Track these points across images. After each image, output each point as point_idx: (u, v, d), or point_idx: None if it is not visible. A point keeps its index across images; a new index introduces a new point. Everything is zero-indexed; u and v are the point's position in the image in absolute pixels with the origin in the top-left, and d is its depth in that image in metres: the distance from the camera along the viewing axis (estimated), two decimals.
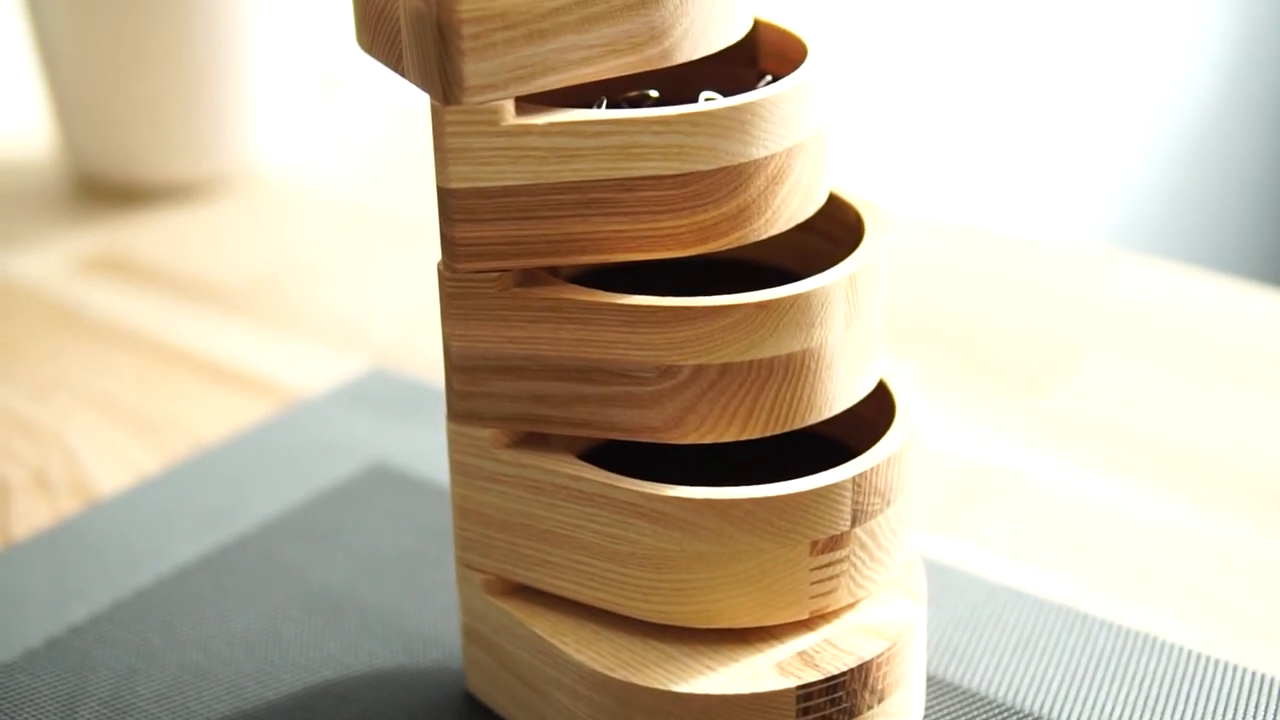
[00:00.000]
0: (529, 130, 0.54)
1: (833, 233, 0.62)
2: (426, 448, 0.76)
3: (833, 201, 0.61)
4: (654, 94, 0.60)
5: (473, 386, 0.57)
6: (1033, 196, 1.91)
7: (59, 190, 1.01)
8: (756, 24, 0.61)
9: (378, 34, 0.57)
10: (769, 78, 0.61)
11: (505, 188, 0.55)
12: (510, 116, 0.54)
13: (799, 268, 0.63)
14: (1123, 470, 0.73)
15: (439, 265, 0.57)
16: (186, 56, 0.96)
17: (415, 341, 0.84)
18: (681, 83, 0.61)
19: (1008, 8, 1.79)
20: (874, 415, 0.61)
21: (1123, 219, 2.01)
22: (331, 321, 0.87)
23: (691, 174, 0.55)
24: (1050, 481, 0.73)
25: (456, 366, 0.57)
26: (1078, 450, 0.75)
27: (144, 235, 0.96)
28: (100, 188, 1.00)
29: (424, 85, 0.54)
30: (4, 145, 1.07)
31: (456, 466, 0.59)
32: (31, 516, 0.74)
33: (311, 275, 0.92)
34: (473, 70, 0.53)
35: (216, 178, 1.00)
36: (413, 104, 1.10)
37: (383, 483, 0.74)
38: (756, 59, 0.62)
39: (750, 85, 0.62)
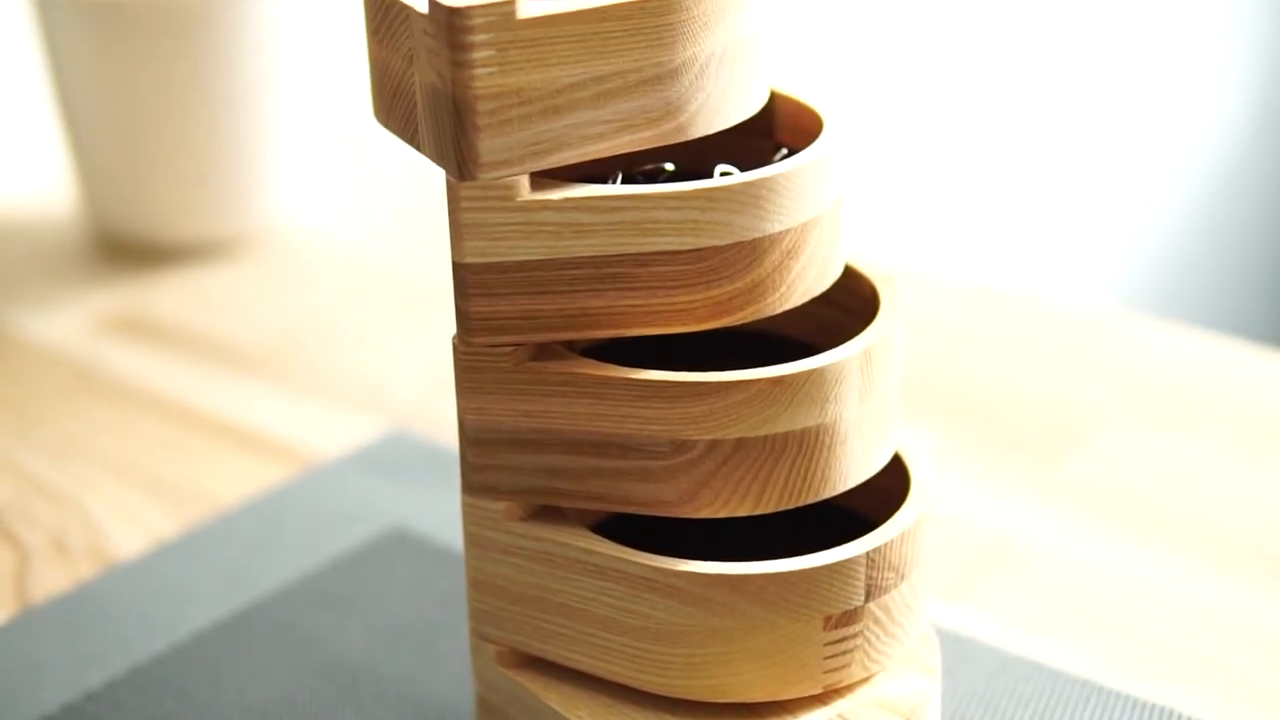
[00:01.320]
0: (544, 206, 0.54)
1: (848, 304, 0.62)
2: (444, 513, 0.76)
3: (848, 273, 0.61)
4: (669, 167, 0.60)
5: (487, 460, 0.57)
6: (1053, 258, 1.91)
7: (80, 249, 1.01)
8: (773, 96, 0.62)
9: (394, 108, 0.57)
10: (784, 151, 0.61)
11: (520, 262, 0.55)
12: (525, 192, 0.54)
13: (814, 339, 0.64)
14: (1141, 541, 0.73)
15: (454, 339, 0.57)
16: (208, 116, 0.97)
17: (434, 404, 0.85)
18: (697, 155, 0.62)
19: (1028, 71, 1.80)
20: (889, 486, 0.61)
21: (1142, 282, 2.01)
22: (351, 383, 0.87)
23: (706, 249, 0.55)
24: (1068, 551, 0.73)
25: (471, 440, 0.57)
26: (1095, 520, 0.75)
27: (165, 295, 0.96)
28: (121, 246, 1.01)
29: (439, 161, 0.55)
30: (26, 203, 1.07)
31: (471, 538, 0.59)
32: (50, 581, 0.74)
33: (331, 336, 0.92)
34: (488, 146, 0.53)
35: (238, 237, 1.00)
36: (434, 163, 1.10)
37: (400, 549, 0.74)
38: (773, 131, 0.62)
39: (766, 158, 0.62)
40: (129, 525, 0.77)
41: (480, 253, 0.55)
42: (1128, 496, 0.76)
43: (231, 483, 0.80)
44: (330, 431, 0.83)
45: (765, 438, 0.55)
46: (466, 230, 0.54)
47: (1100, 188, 1.93)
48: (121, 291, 0.97)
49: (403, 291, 0.96)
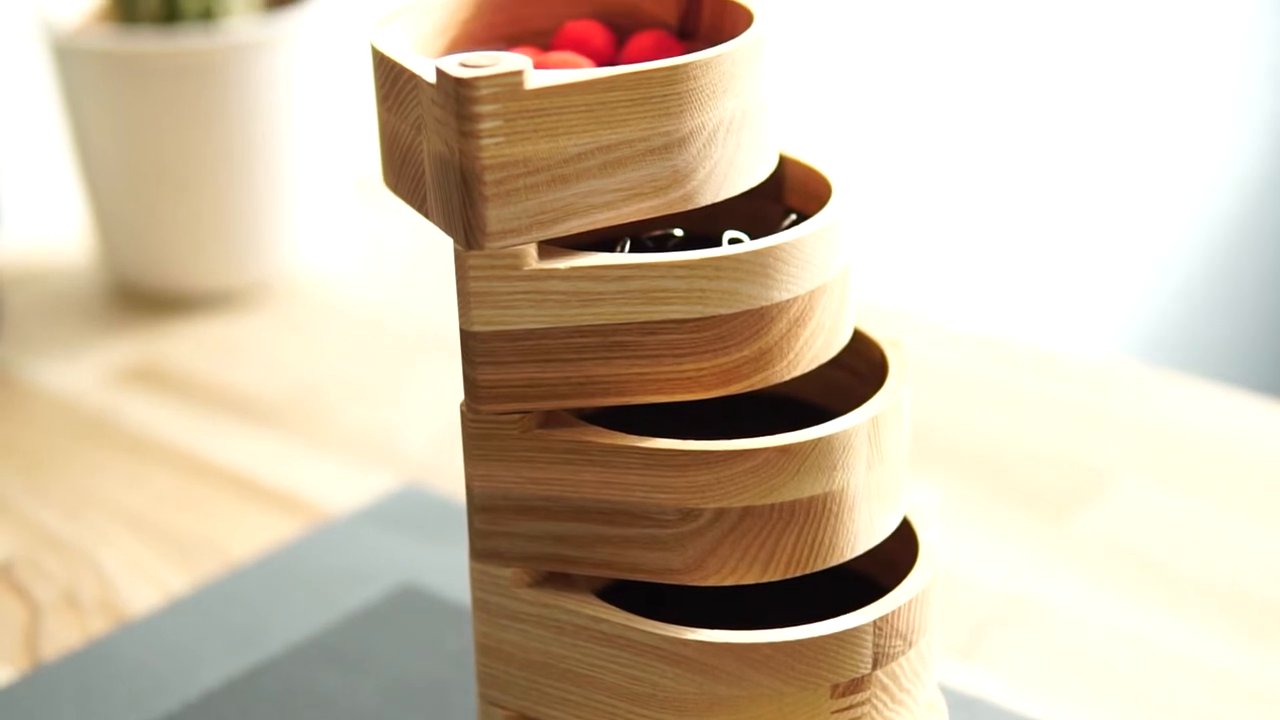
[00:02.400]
0: (551, 275, 0.54)
1: (857, 367, 0.62)
2: (456, 569, 0.76)
3: (857, 337, 0.61)
4: (678, 233, 0.60)
5: (495, 526, 0.57)
6: (1065, 309, 1.90)
7: (96, 298, 1.02)
8: (783, 160, 0.62)
9: (403, 174, 0.57)
10: (793, 216, 0.61)
11: (527, 330, 0.55)
12: (532, 261, 0.54)
13: (823, 401, 0.64)
14: (1152, 600, 0.73)
15: (461, 406, 0.57)
16: (224, 166, 0.97)
17: (448, 458, 0.85)
18: (706, 219, 0.62)
19: (1040, 121, 1.80)
20: (897, 549, 0.61)
21: (1155, 333, 2.00)
22: (364, 436, 0.87)
23: (713, 318, 0.55)
24: (1078, 610, 0.73)
25: (479, 506, 0.57)
26: (1106, 578, 0.74)
27: (180, 345, 0.96)
28: (137, 296, 1.01)
29: (447, 229, 0.55)
30: (43, 252, 1.08)
31: (478, 604, 0.59)
32: (61, 637, 0.74)
33: (345, 388, 0.92)
34: (495, 216, 0.53)
35: (253, 287, 1.01)
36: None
37: (412, 606, 0.74)
38: (782, 195, 0.62)
39: (776, 221, 0.62)
40: (141, 580, 0.77)
41: (488, 321, 0.55)
42: (1140, 554, 0.76)
43: (244, 537, 0.80)
44: (343, 485, 0.83)
45: (772, 506, 0.55)
46: (474, 299, 0.55)
47: (1113, 238, 1.92)
48: (137, 341, 0.97)
49: (418, 343, 0.96)
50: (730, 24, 0.60)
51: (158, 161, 0.97)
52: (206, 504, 0.82)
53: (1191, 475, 0.82)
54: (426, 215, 0.56)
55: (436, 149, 0.54)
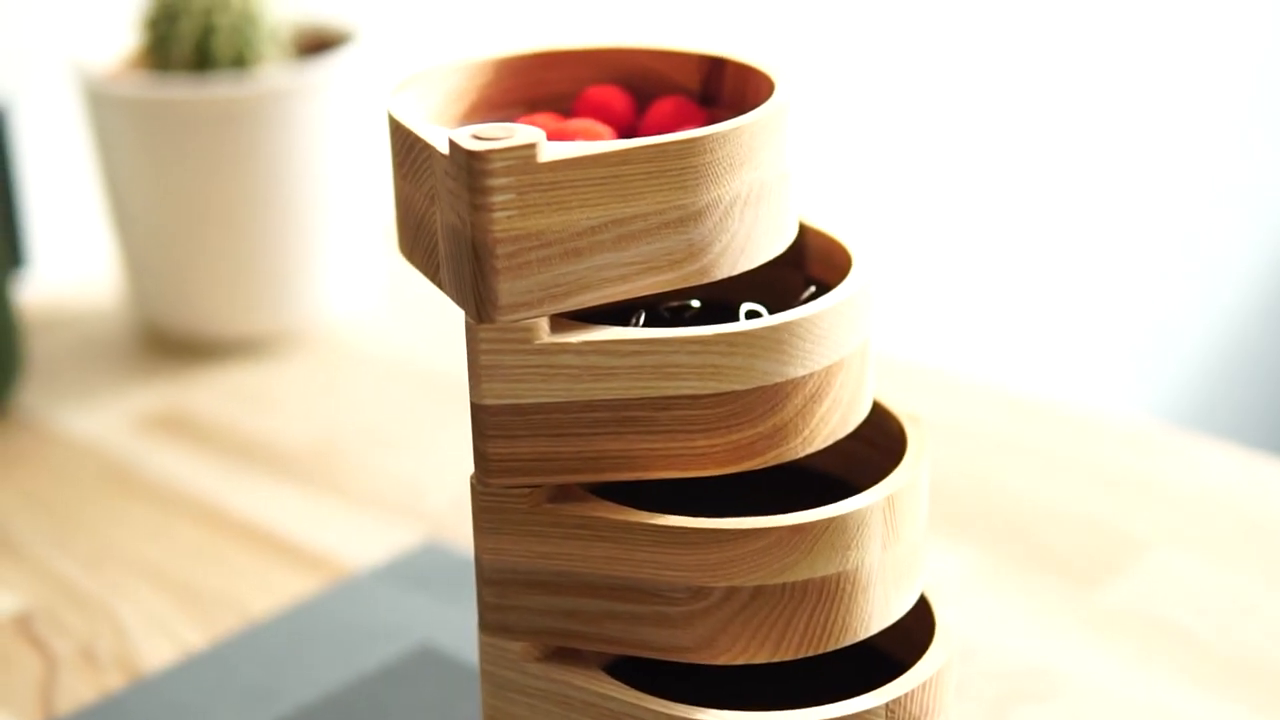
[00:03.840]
0: (563, 349, 0.54)
1: (876, 440, 0.61)
2: (473, 630, 0.75)
3: (877, 410, 0.61)
4: (695, 304, 0.60)
5: (504, 599, 0.57)
6: (1100, 369, 1.89)
7: (124, 343, 1.01)
8: (803, 229, 0.61)
9: (417, 243, 0.57)
10: (813, 288, 0.60)
11: (539, 404, 0.54)
12: (544, 334, 0.54)
13: (841, 473, 0.63)
14: (1182, 675, 0.72)
15: (471, 478, 0.56)
16: (254, 213, 0.97)
17: (469, 514, 0.84)
18: (724, 288, 0.61)
19: (1077, 178, 1.79)
20: (914, 625, 0.60)
21: (1191, 396, 1.98)
22: (387, 490, 0.87)
23: (727, 394, 0.54)
24: (1105, 685, 0.71)
25: (488, 579, 0.57)
26: (1135, 650, 0.73)
27: (206, 392, 0.96)
28: (166, 341, 1.01)
29: (459, 301, 0.54)
30: (74, 295, 1.07)
31: (487, 677, 0.58)
32: (76, 692, 0.73)
33: (370, 439, 0.91)
34: (507, 289, 0.53)
35: (282, 334, 1.00)
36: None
37: (428, 667, 0.73)
38: (803, 263, 0.62)
39: (796, 291, 0.61)
40: (158, 635, 0.77)
41: (498, 394, 0.54)
42: (1170, 627, 0.75)
43: (262, 592, 0.79)
44: (364, 539, 0.83)
45: (784, 585, 0.54)
46: (485, 372, 0.54)
47: (1149, 299, 1.91)
48: (163, 387, 0.97)
49: (445, 394, 0.96)
50: (753, 90, 0.60)
51: (189, 208, 0.97)
52: (227, 557, 0.82)
53: (1227, 544, 0.80)
54: (440, 286, 0.56)
55: (449, 220, 0.54)
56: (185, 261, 0.98)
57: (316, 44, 1.02)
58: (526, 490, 0.55)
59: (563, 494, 0.56)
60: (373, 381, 0.97)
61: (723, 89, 0.61)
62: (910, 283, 1.65)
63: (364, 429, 0.92)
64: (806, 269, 0.62)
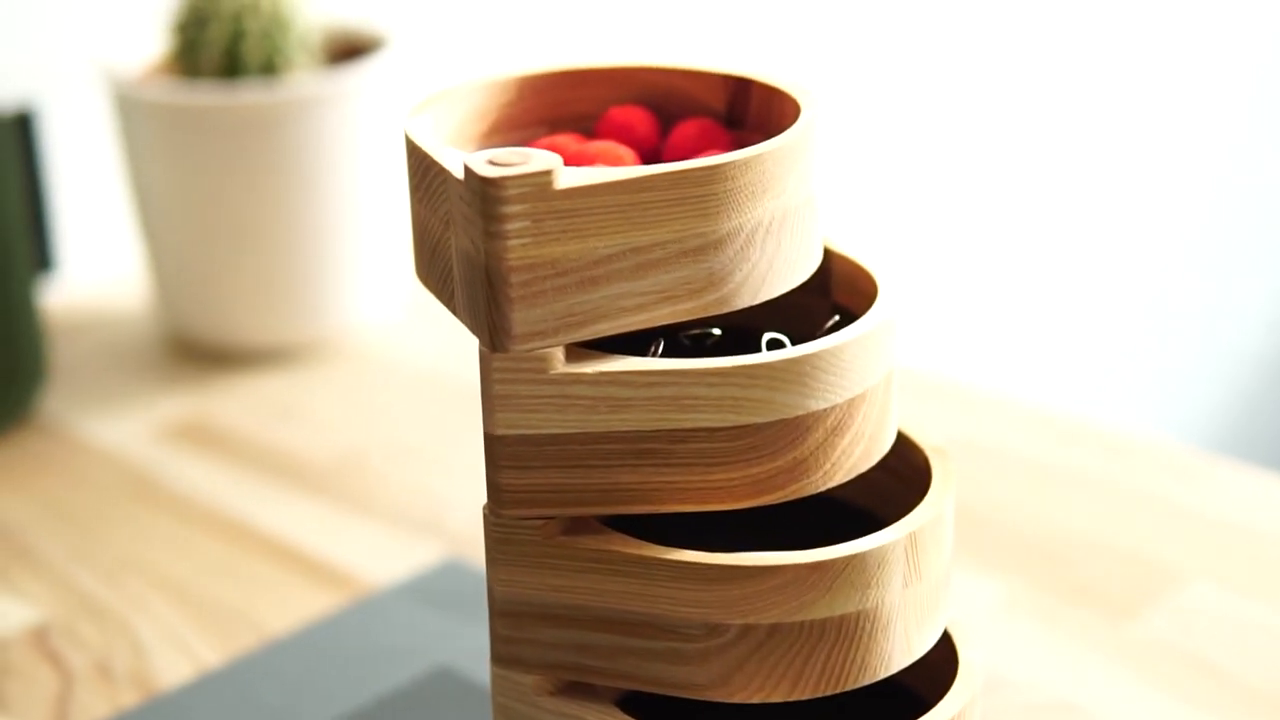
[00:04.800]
0: (578, 379, 0.52)
1: (901, 471, 0.60)
2: None
3: (902, 440, 0.59)
4: (716, 332, 0.58)
5: (516, 632, 0.56)
6: (1137, 390, 1.87)
7: (150, 349, 1.01)
8: (828, 253, 0.60)
9: (432, 268, 0.55)
10: (837, 317, 0.59)
11: (553, 435, 0.53)
12: (559, 364, 0.52)
13: (864, 503, 0.61)
14: (1219, 713, 0.70)
15: (485, 509, 0.55)
16: (283, 220, 0.96)
17: None
18: (746, 314, 0.59)
19: (1113, 200, 1.77)
20: (938, 660, 0.59)
21: (1231, 420, 1.95)
22: (410, 505, 0.86)
23: (746, 427, 0.53)
24: None
25: (500, 611, 0.56)
26: (1170, 687, 0.71)
27: (232, 402, 0.95)
28: (192, 349, 1.00)
29: (473, 329, 0.53)
30: (98, 300, 1.07)
31: (499, 709, 0.57)
32: (91, 709, 0.73)
33: (395, 452, 0.90)
34: (521, 318, 0.52)
35: (311, 344, 0.99)
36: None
37: (446, 690, 0.72)
38: (829, 289, 0.60)
39: (821, 316, 0.60)
40: (175, 651, 0.76)
41: (512, 425, 0.53)
42: (1204, 662, 0.73)
43: (282, 609, 0.78)
44: (385, 556, 0.82)
45: (801, 623, 0.53)
46: (498, 402, 0.53)
47: (1187, 315, 1.89)
48: (189, 396, 0.96)
49: (471, 404, 0.94)
50: (778, 113, 0.58)
51: (217, 215, 0.96)
52: (247, 573, 0.81)
53: (1264, 577, 0.79)
54: (454, 312, 0.54)
55: (463, 246, 0.52)
56: (212, 269, 0.97)
57: (348, 50, 1.01)
58: (540, 522, 0.54)
59: (578, 526, 0.55)
60: (399, 392, 0.96)
61: (749, 110, 0.60)
62: (939, 297, 1.63)
63: (389, 442, 0.91)
64: (831, 295, 0.60)
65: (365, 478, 0.88)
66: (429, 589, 0.79)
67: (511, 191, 0.50)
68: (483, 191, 0.50)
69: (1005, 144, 1.66)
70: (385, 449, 0.91)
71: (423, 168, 0.54)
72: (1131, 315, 1.84)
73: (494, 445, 0.53)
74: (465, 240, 0.52)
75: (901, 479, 0.60)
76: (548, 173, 0.51)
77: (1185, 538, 0.81)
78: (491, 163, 0.51)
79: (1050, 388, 1.75)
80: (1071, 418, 0.91)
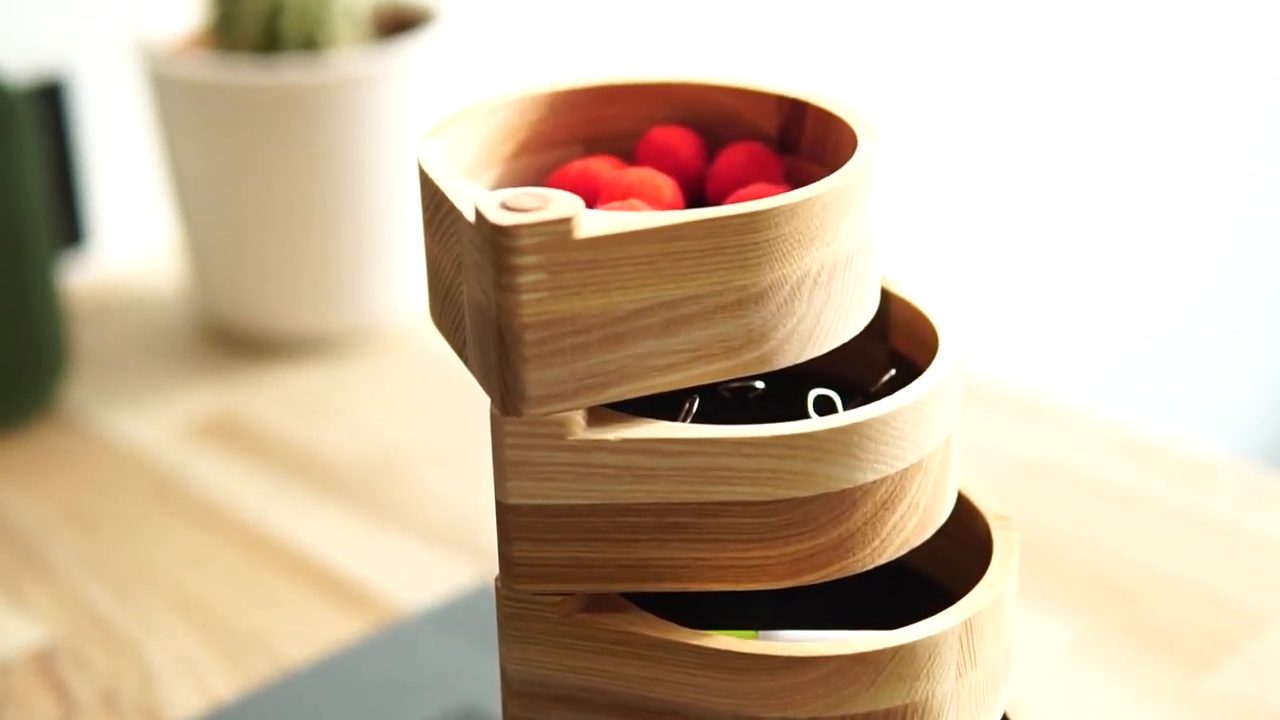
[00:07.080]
0: (599, 446, 0.47)
1: (959, 536, 0.54)
2: None
3: (962, 503, 0.54)
4: (759, 385, 0.53)
5: (530, 714, 0.51)
6: (1218, 410, 1.80)
7: (180, 335, 0.96)
8: (886, 296, 0.54)
9: (444, 311, 0.50)
10: (894, 370, 0.53)
11: (571, 506, 0.48)
12: (579, 429, 0.47)
13: (918, 564, 0.56)
14: None
15: (495, 581, 0.50)
16: (321, 205, 0.91)
17: None
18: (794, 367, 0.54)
19: (1181, 220, 1.71)
20: None
21: None
22: (445, 518, 0.81)
23: (785, 501, 0.47)
24: None
25: (513, 691, 0.51)
26: None
27: (263, 396, 0.91)
28: (225, 336, 0.95)
29: (484, 387, 0.48)
30: (130, 278, 1.02)
31: None
32: None
33: (431, 457, 0.85)
34: (536, 379, 0.46)
35: (347, 332, 0.94)
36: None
37: None
38: (887, 334, 0.55)
39: (878, 365, 0.55)
40: (185, 681, 0.71)
41: (526, 494, 0.48)
42: None
43: (301, 633, 0.74)
44: (416, 575, 0.77)
45: (843, 718, 0.48)
46: (510, 468, 0.48)
47: (1268, 337, 1.82)
48: (219, 388, 0.91)
49: None
50: (834, 141, 0.53)
51: (253, 197, 0.91)
52: (266, 591, 0.76)
53: None
54: (466, 364, 0.49)
55: (475, 296, 0.47)
56: (248, 253, 0.93)
57: (396, 24, 0.96)
58: (556, 599, 0.49)
59: (598, 603, 0.50)
60: (439, 389, 0.91)
61: (803, 135, 0.54)
62: (1003, 308, 1.58)
63: (425, 444, 0.87)
64: (889, 340, 0.55)
65: (398, 485, 0.83)
66: (459, 617, 0.74)
67: (526, 241, 0.45)
68: (494, 240, 0.45)
69: (1076, 160, 1.60)
70: (421, 452, 0.86)
71: (435, 202, 0.49)
72: (1205, 329, 1.78)
73: (506, 515, 0.48)
74: (476, 289, 0.47)
75: (960, 545, 0.54)
76: (568, 220, 0.45)
77: (1271, 576, 0.76)
78: (505, 206, 0.45)
79: (1121, 403, 1.69)
80: (1145, 436, 0.85)
